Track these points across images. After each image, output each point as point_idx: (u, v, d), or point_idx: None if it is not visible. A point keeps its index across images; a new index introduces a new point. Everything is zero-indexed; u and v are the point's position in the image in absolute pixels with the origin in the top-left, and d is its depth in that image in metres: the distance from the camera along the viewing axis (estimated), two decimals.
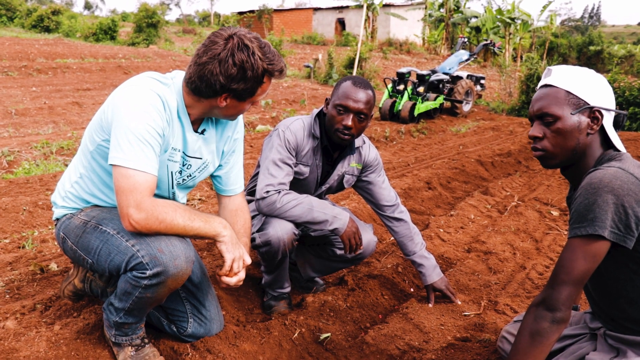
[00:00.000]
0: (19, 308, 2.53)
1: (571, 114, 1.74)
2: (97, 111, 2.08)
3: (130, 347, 2.14)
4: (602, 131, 1.81)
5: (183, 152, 2.13)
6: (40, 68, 13.51)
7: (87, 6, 78.68)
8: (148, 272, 1.89)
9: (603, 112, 1.76)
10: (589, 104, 1.75)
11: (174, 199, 2.26)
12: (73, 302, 2.55)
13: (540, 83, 1.84)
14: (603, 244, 1.59)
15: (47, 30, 25.04)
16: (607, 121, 1.79)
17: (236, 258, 2.05)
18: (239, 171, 2.43)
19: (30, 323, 2.39)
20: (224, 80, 1.91)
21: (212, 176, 2.39)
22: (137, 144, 1.86)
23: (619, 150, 1.78)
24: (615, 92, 11.18)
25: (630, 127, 10.78)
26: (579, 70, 1.81)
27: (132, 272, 1.93)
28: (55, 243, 3.54)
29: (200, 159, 2.21)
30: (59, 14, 26.05)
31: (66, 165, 5.74)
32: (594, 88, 1.77)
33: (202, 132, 2.17)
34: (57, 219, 2.23)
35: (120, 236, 1.96)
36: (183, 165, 2.17)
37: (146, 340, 2.19)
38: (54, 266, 3.08)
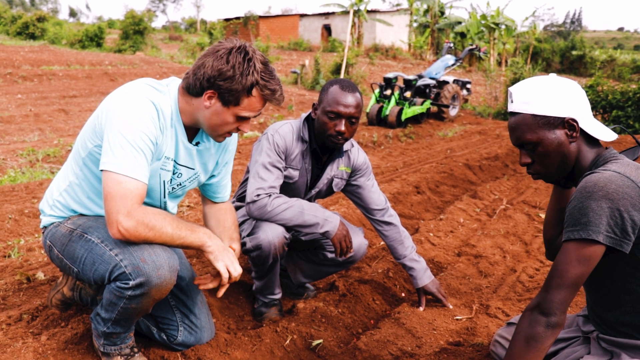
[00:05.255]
0: (5, 318, 2.48)
1: (547, 133, 1.73)
2: (90, 117, 2.05)
3: (119, 357, 2.11)
4: (585, 132, 1.78)
5: (174, 161, 2.10)
6: (25, 75, 13.38)
7: (72, 13, 78.21)
8: (131, 283, 1.87)
9: (576, 118, 1.73)
10: (559, 117, 1.73)
11: (165, 208, 2.23)
12: (61, 312, 2.51)
13: (508, 108, 1.82)
14: (597, 247, 1.59)
15: (33, 37, 24.84)
16: (585, 122, 1.76)
17: (228, 264, 2.03)
18: (229, 180, 2.45)
19: (17, 334, 2.34)
20: (212, 73, 1.89)
21: (204, 184, 2.37)
22: (130, 150, 1.84)
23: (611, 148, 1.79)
24: (598, 96, 11.27)
25: (613, 129, 10.86)
26: (539, 85, 1.76)
27: (116, 283, 1.90)
28: (42, 251, 3.49)
29: (193, 169, 2.19)
30: (44, 21, 25.89)
31: (52, 173, 5.67)
32: (558, 98, 1.73)
33: (197, 144, 2.15)
34: (45, 227, 2.20)
35: (104, 245, 1.94)
36: (174, 174, 2.14)
37: (135, 350, 2.16)
38: (40, 275, 3.03)
